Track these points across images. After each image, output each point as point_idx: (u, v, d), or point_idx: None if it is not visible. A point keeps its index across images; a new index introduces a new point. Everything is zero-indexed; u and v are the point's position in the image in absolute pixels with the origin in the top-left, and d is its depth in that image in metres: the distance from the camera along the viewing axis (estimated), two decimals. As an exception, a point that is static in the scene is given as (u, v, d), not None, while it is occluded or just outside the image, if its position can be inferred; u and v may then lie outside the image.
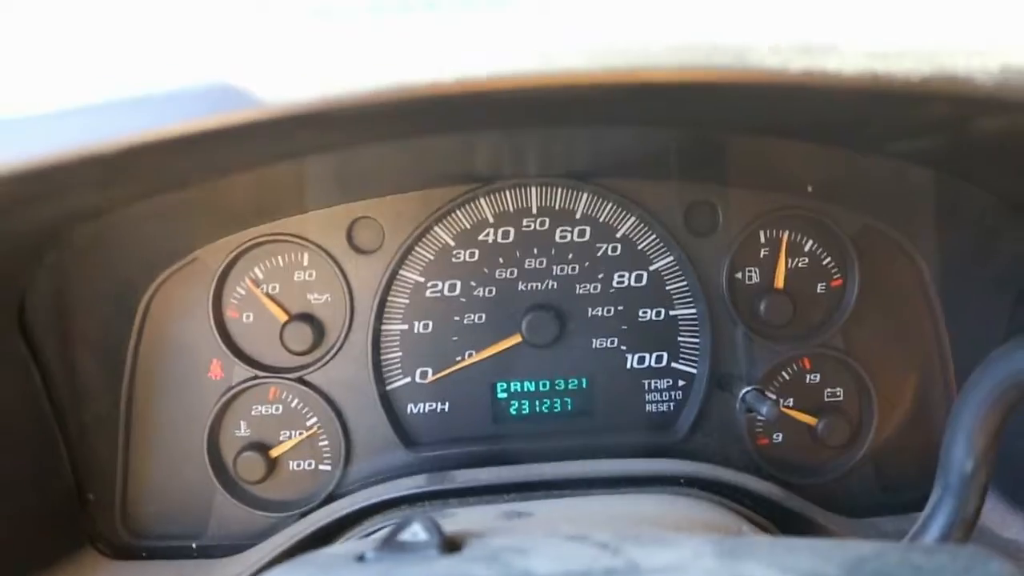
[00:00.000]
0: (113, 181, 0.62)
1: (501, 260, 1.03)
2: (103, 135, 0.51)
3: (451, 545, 0.62)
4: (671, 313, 1.04)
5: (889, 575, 0.48)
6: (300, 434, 1.04)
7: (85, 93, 0.53)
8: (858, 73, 0.50)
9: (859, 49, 0.50)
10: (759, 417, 1.01)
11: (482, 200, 1.02)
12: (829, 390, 1.07)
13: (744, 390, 1.00)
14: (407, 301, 1.02)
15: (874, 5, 0.51)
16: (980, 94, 0.50)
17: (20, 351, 0.89)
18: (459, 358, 1.04)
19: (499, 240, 1.03)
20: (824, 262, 1.05)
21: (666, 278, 1.03)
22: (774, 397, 1.02)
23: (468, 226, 1.02)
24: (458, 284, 1.03)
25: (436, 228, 1.02)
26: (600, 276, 1.04)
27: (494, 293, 1.03)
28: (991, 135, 0.60)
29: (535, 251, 1.03)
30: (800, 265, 1.05)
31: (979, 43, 0.51)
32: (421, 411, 1.04)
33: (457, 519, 0.77)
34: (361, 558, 0.61)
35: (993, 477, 0.71)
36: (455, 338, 1.03)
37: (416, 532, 0.64)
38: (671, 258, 1.03)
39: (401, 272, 1.02)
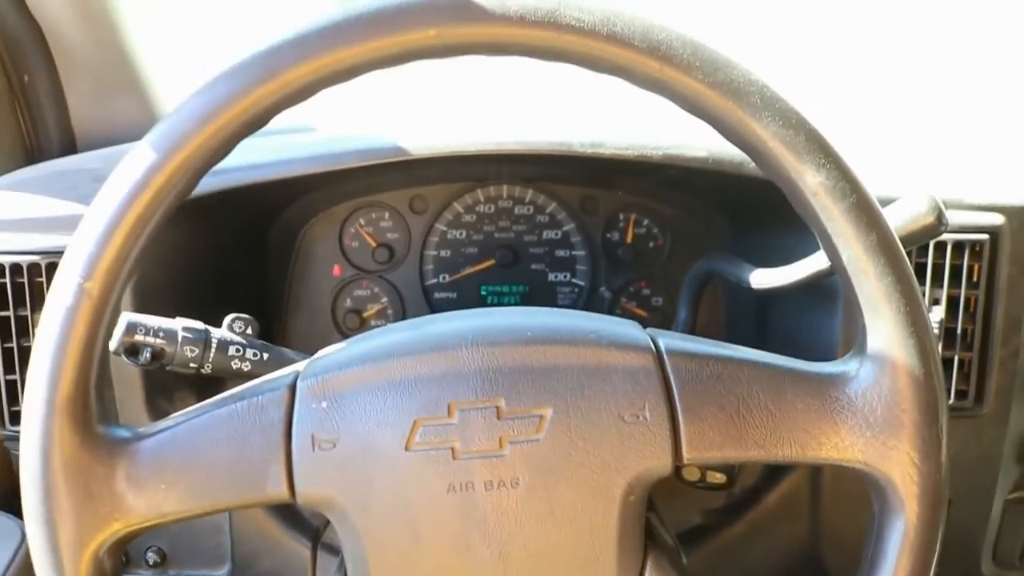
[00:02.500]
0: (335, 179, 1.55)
1: (486, 221, 1.81)
2: (346, 160, 1.43)
3: None
4: (572, 253, 1.84)
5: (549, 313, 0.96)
6: (378, 306, 1.92)
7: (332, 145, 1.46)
8: (614, 151, 1.43)
9: (617, 144, 1.44)
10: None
11: (478, 190, 1.82)
12: (655, 298, 1.84)
13: (603, 290, 1.94)
14: (437, 239, 1.83)
15: (634, 128, 1.44)
16: (656, 160, 1.44)
17: (262, 253, 1.80)
18: (461, 271, 1.86)
19: (486, 211, 1.83)
20: (653, 231, 1.84)
21: (570, 235, 1.84)
22: (610, 294, 1.90)
23: (470, 203, 1.82)
24: (463, 232, 1.83)
25: (454, 203, 1.81)
26: (536, 232, 1.82)
27: (482, 238, 1.85)
28: (676, 176, 1.54)
29: (504, 217, 1.82)
30: (640, 232, 1.83)
31: (658, 143, 1.45)
32: (442, 297, 1.85)
33: None
34: None
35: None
36: (460, 260, 1.84)
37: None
38: (573, 225, 1.84)
39: (435, 224, 1.84)
